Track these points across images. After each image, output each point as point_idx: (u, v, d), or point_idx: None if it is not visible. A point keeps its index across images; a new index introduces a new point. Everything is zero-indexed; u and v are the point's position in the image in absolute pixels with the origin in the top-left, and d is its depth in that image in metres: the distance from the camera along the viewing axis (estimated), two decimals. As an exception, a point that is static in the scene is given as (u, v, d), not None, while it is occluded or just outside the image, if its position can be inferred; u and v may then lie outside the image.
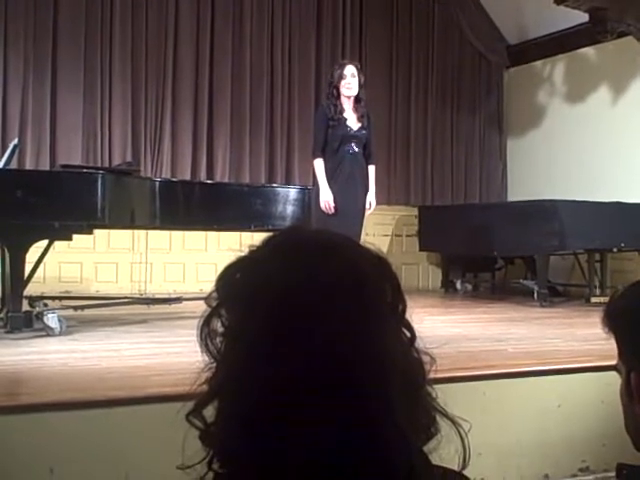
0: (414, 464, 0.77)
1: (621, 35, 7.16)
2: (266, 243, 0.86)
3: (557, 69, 8.75)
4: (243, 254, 0.85)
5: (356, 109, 5.22)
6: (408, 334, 0.85)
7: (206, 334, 0.83)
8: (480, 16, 9.07)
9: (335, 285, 0.79)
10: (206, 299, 0.84)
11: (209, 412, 0.82)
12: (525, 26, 8.84)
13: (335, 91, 5.20)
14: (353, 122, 5.20)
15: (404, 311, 0.85)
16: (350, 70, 5.19)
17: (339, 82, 5.18)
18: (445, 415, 0.84)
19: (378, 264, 0.85)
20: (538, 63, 8.97)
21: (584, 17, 7.15)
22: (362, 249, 0.86)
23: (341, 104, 5.18)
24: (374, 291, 0.82)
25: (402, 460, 0.76)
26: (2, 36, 7.01)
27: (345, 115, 5.18)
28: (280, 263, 0.81)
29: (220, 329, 0.83)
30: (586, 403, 3.27)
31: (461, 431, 0.84)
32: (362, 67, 5.50)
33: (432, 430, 0.83)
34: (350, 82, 5.16)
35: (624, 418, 1.19)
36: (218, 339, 0.83)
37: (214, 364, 0.83)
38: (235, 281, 0.83)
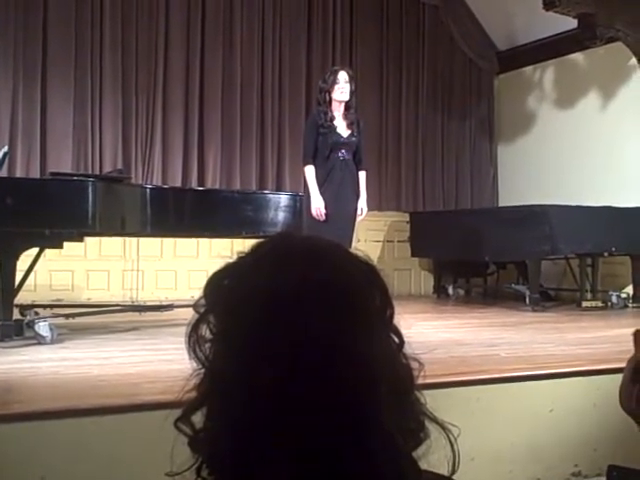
0: (403, 470, 0.77)
1: (610, 40, 7.19)
2: (255, 249, 0.85)
3: (547, 75, 8.78)
4: (231, 260, 0.85)
5: (346, 116, 5.24)
6: (396, 340, 0.85)
7: (194, 341, 0.83)
8: (470, 22, 9.10)
9: (323, 291, 0.79)
10: (194, 306, 0.84)
11: (197, 418, 0.82)
12: (515, 32, 8.87)
13: (327, 96, 5.21)
14: (343, 129, 5.21)
15: (392, 317, 0.85)
16: (343, 76, 5.21)
17: (332, 87, 5.19)
18: (434, 420, 0.84)
19: (366, 270, 0.85)
20: (528, 69, 9.01)
21: (573, 23, 7.18)
22: (350, 255, 0.86)
23: (332, 111, 5.19)
24: (362, 297, 0.82)
25: (390, 466, 0.76)
26: (-8, 44, 7.01)
27: (335, 122, 5.19)
28: (268, 269, 0.81)
29: (208, 336, 0.83)
30: (578, 407, 3.27)
31: (450, 436, 0.84)
32: (353, 74, 5.52)
33: (421, 436, 0.83)
34: (343, 87, 5.17)
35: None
36: (206, 345, 0.83)
37: (202, 370, 0.83)
38: (223, 287, 0.83)
